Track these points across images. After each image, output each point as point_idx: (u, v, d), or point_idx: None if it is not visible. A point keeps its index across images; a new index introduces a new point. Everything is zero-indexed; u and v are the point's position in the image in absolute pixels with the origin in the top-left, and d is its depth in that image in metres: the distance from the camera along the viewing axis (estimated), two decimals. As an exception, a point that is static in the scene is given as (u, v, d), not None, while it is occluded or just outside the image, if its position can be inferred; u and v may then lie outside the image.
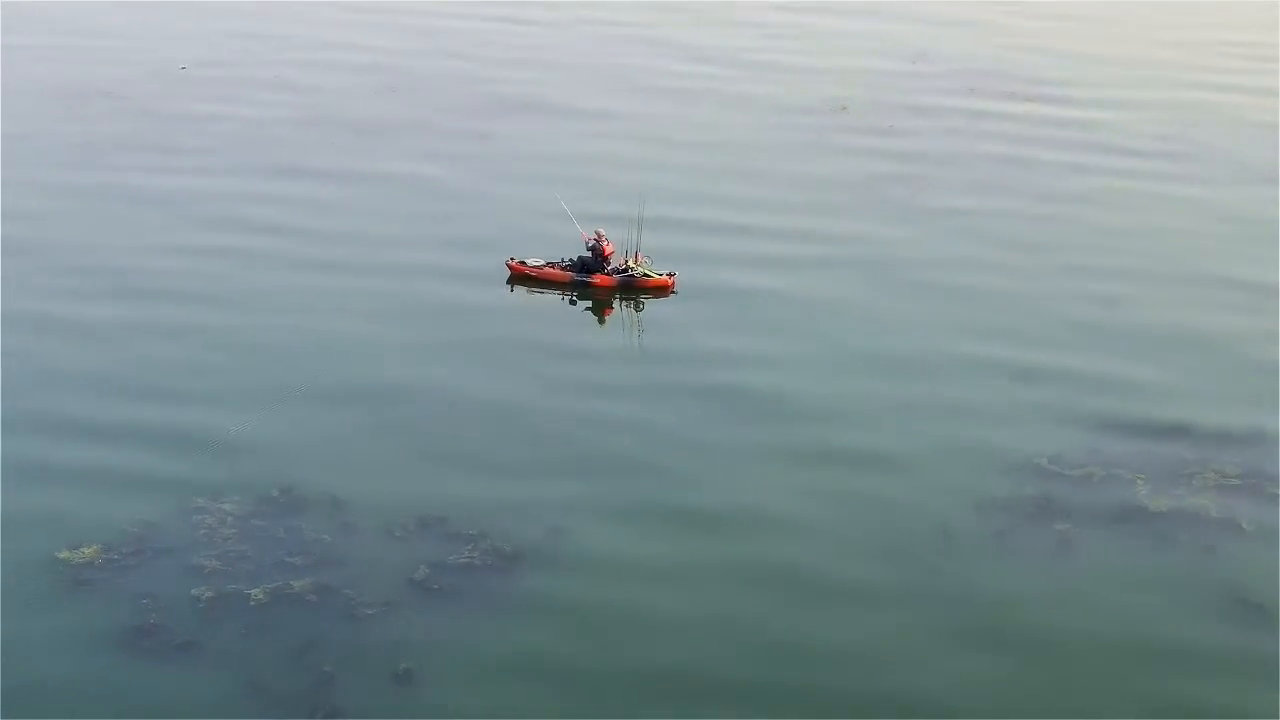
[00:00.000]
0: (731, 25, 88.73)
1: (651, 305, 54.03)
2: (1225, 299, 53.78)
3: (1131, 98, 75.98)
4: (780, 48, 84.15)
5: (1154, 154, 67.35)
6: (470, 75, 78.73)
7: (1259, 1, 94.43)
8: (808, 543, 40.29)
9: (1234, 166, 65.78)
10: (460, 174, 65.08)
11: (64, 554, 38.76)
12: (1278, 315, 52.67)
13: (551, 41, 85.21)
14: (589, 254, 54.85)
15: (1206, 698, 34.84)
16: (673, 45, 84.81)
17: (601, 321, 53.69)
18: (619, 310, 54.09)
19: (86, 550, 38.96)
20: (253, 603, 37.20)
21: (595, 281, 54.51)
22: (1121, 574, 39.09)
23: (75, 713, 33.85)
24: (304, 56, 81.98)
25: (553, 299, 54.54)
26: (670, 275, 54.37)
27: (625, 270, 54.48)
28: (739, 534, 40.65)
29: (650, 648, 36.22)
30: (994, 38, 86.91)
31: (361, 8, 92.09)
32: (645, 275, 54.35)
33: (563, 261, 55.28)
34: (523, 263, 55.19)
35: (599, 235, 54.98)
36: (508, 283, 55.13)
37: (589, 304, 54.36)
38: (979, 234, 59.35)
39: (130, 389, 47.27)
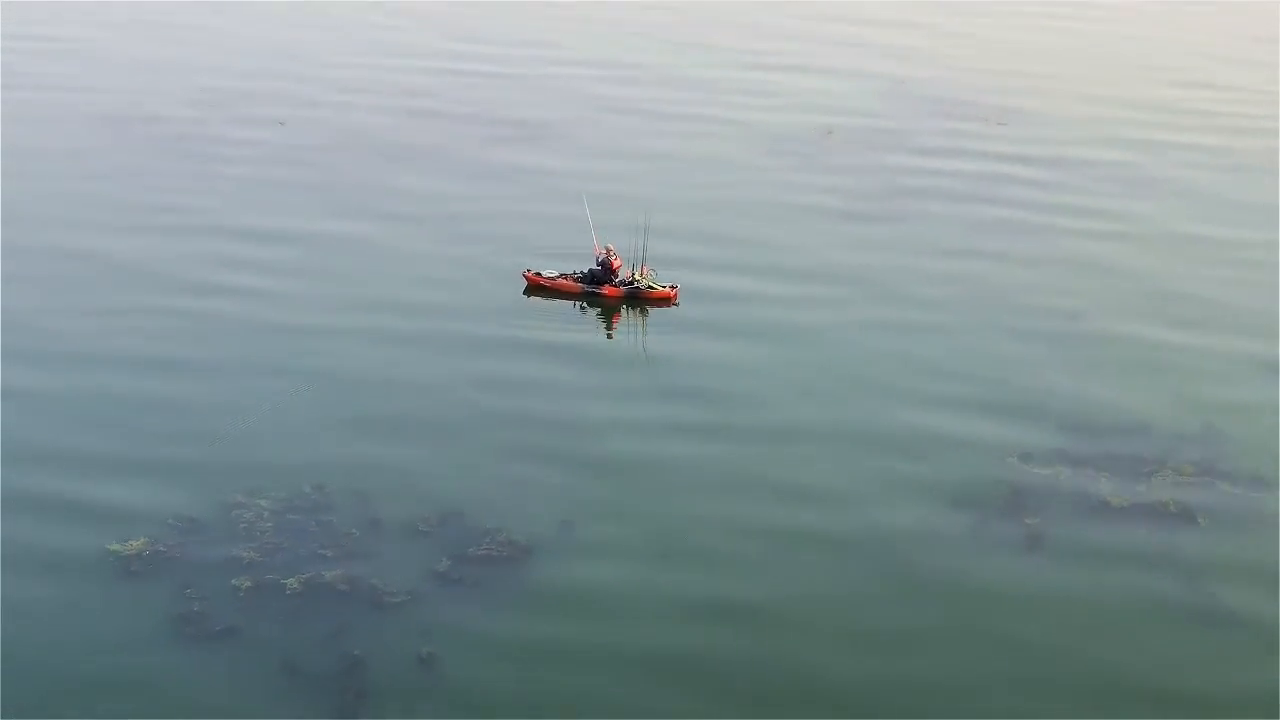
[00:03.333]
0: (721, 53, 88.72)
1: (655, 315, 54.03)
2: (1176, 316, 53.68)
3: (1096, 130, 75.52)
4: (768, 74, 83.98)
5: (1108, 191, 66.46)
6: (484, 105, 78.66)
7: (1241, 42, 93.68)
8: (803, 529, 40.36)
9: (1192, 207, 64.91)
10: (477, 194, 65.21)
11: (114, 546, 38.91)
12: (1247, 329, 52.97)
13: (553, 74, 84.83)
14: (599, 267, 55.00)
15: (1164, 679, 34.93)
16: (665, 72, 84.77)
17: (610, 329, 53.66)
18: (625, 319, 54.12)
19: (135, 543, 39.09)
20: (288, 592, 37.28)
21: (604, 292, 54.59)
22: (1086, 565, 39.04)
23: (123, 694, 33.96)
24: (324, 87, 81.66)
25: (565, 307, 54.55)
26: (673, 288, 54.42)
27: (632, 282, 54.55)
28: (736, 520, 40.70)
29: (654, 631, 36.32)
30: (973, 65, 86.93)
31: (363, 50, 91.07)
32: (650, 287, 54.41)
33: (574, 274, 55.37)
34: (538, 274, 55.30)
35: (609, 250, 55.14)
36: (524, 292, 55.19)
37: (598, 312, 54.41)
38: (954, 252, 59.27)
39: (176, 397, 47.24)
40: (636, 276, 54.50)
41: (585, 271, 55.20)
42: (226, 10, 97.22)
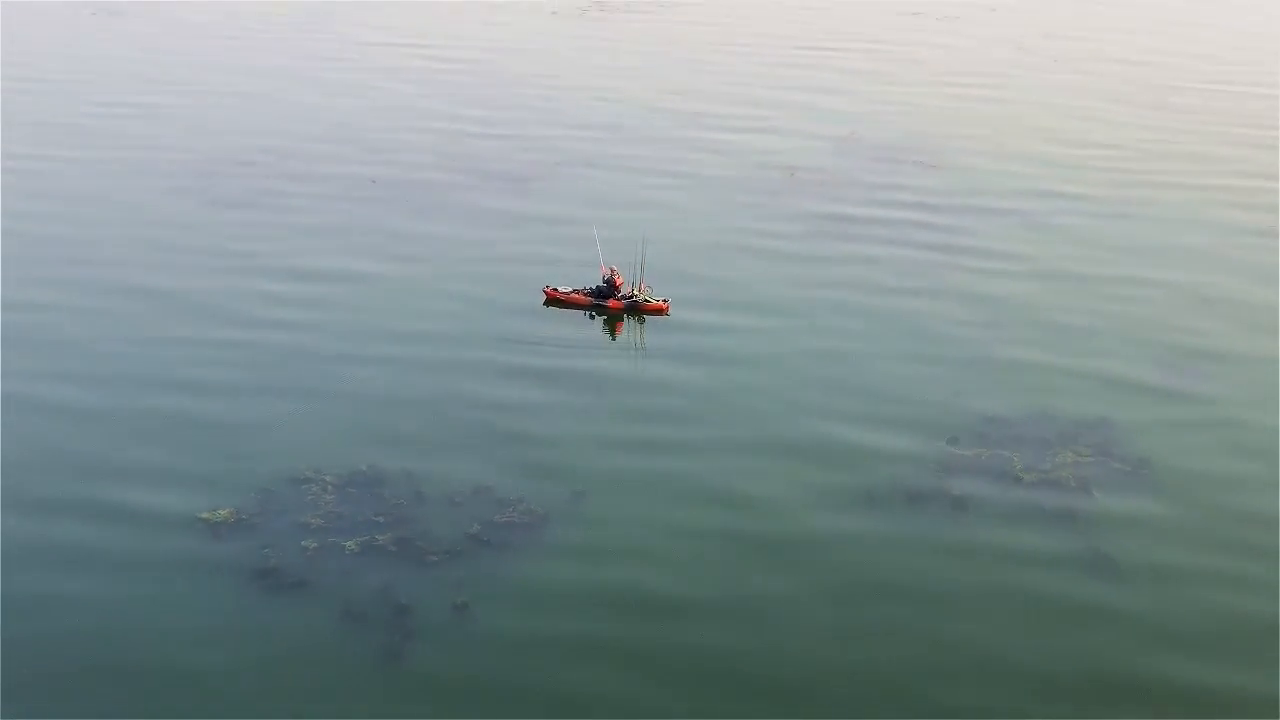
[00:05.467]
0: (698, 117, 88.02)
1: (651, 323, 56.50)
2: (1067, 344, 54.34)
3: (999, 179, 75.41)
4: (736, 134, 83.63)
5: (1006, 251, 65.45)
6: (495, 161, 79.53)
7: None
8: (782, 503, 42.42)
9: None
10: (499, 235, 66.34)
11: (204, 515, 41.56)
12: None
13: (555, 135, 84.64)
14: (604, 284, 58.11)
15: (1057, 621, 37.46)
16: (649, 133, 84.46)
17: (613, 334, 56.05)
18: (626, 326, 56.57)
19: (221, 512, 41.63)
20: (347, 551, 39.70)
21: (609, 304, 57.54)
22: (1001, 528, 41.48)
23: (210, 633, 36.40)
24: (363, 147, 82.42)
25: (577, 316, 57.16)
26: (665, 301, 57.36)
27: (632, 297, 57.43)
28: (721, 497, 42.83)
29: (653, 580, 38.69)
30: (909, 126, 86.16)
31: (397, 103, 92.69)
32: (646, 301, 57.25)
33: (585, 289, 58.44)
34: (556, 289, 58.47)
35: (613, 270, 58.22)
36: (545, 304, 57.94)
37: (604, 320, 56.96)
38: (884, 289, 59.93)
39: (262, 396, 49.26)
40: (636, 292, 57.48)
41: (594, 287, 58.28)
42: (274, 78, 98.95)
